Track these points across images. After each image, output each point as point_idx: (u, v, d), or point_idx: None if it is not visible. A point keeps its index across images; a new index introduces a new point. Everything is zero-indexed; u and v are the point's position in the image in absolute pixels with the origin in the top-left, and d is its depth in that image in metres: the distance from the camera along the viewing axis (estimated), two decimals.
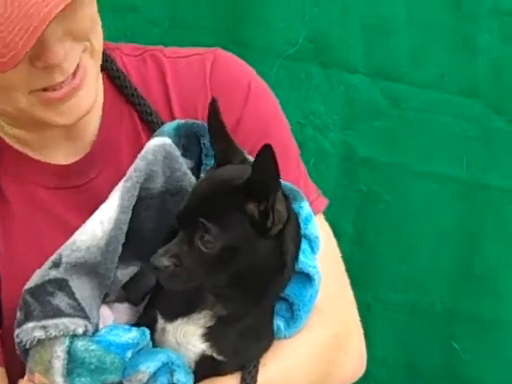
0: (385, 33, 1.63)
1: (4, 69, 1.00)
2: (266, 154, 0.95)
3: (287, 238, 1.05)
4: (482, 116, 1.64)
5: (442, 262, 1.66)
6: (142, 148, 1.17)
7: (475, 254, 1.66)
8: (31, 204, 1.22)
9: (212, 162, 1.16)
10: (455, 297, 1.67)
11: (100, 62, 1.17)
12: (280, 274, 1.06)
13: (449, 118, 1.64)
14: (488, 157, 1.65)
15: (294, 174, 1.24)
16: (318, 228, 1.14)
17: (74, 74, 1.09)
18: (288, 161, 1.25)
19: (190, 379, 1.08)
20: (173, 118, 1.25)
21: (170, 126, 1.17)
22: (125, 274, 1.12)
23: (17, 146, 1.23)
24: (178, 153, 1.14)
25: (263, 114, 1.29)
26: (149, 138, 1.21)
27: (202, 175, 1.17)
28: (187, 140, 1.17)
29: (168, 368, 1.06)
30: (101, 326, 1.07)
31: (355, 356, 1.29)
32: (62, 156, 1.24)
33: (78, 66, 1.10)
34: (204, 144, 1.18)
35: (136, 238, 1.11)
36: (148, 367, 1.03)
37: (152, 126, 1.23)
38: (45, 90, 1.09)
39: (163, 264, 1.01)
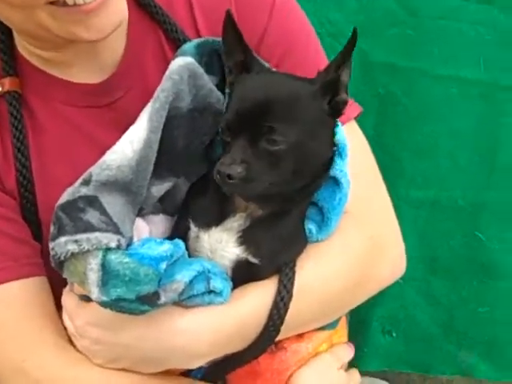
0: None
1: None
2: None
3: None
4: (498, 21, 1.62)
5: (461, 160, 1.66)
6: (168, 65, 1.15)
7: (496, 150, 1.66)
8: (61, 122, 1.23)
9: None
10: (477, 191, 1.68)
11: None
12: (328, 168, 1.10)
13: (465, 24, 1.63)
14: (506, 59, 1.64)
15: None
16: (346, 135, 1.13)
17: None
18: None
19: (228, 286, 1.10)
20: (199, 35, 1.23)
21: (189, 45, 1.17)
22: (160, 189, 1.13)
23: (42, 67, 1.23)
24: (201, 70, 1.13)
25: (289, 27, 1.26)
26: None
27: (227, 90, 1.15)
28: (209, 58, 1.16)
29: (204, 276, 1.07)
30: (136, 238, 1.08)
31: (393, 257, 1.28)
32: (88, 75, 1.24)
33: None
34: None
35: (169, 155, 1.11)
36: (183, 276, 1.04)
37: (178, 44, 1.22)
38: (65, 3, 1.06)
39: (236, 171, 1.00)
